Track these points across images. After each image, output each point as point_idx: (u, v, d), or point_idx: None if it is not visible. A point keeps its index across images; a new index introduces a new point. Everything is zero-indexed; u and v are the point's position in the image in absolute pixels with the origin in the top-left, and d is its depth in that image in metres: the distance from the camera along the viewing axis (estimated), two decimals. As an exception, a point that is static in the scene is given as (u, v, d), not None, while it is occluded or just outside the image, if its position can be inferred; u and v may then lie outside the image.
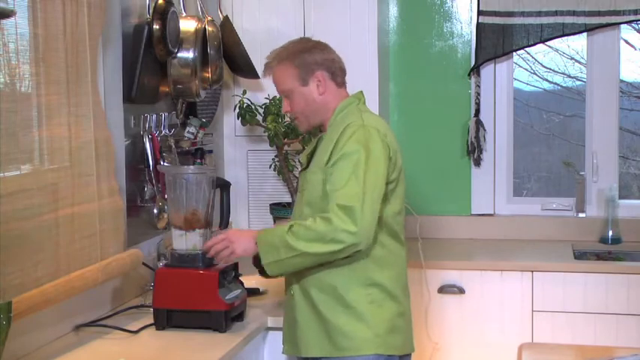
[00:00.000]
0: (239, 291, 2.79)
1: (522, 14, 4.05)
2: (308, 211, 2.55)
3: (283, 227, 2.47)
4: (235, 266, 2.83)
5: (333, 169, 2.46)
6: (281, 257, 2.45)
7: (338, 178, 2.43)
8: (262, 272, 2.54)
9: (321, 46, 2.65)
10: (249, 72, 3.77)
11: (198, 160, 3.55)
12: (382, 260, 2.55)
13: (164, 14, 3.16)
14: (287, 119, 3.74)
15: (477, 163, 4.22)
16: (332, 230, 2.37)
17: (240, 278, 2.87)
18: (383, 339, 2.51)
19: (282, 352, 2.71)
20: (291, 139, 3.71)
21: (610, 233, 4.04)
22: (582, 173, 4.19)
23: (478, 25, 4.11)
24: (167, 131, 3.28)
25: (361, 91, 2.71)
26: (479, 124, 4.18)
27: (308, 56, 2.59)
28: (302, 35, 3.84)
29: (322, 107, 2.61)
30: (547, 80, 4.55)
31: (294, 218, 2.62)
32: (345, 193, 2.40)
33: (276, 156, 3.83)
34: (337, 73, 2.64)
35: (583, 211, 4.14)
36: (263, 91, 3.85)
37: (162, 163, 3.16)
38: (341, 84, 2.66)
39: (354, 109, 2.60)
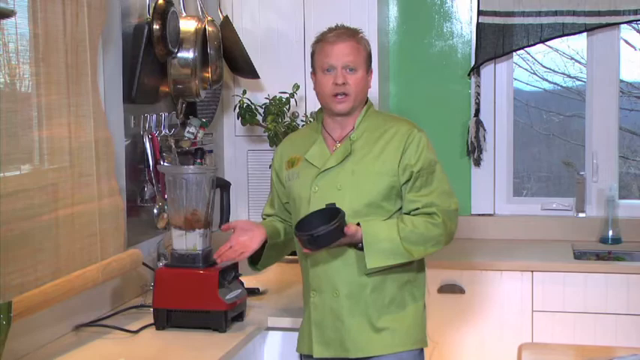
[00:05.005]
0: (239, 291, 2.78)
1: (522, 14, 4.05)
2: (366, 210, 2.52)
3: (392, 232, 2.48)
4: (235, 266, 2.83)
5: (426, 177, 2.54)
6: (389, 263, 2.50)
7: (438, 185, 2.56)
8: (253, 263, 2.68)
9: None
10: (249, 72, 3.77)
11: (198, 160, 3.54)
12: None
13: (164, 14, 3.16)
14: (287, 119, 3.74)
15: (477, 163, 4.22)
16: (444, 234, 2.53)
17: (240, 278, 2.87)
18: None
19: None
20: (291, 139, 3.71)
21: (610, 233, 4.04)
22: (582, 173, 4.19)
23: (478, 25, 4.11)
24: (167, 131, 3.28)
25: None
26: (479, 124, 4.18)
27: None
28: (302, 35, 3.84)
29: (364, 98, 2.65)
30: (547, 80, 4.54)
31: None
32: (451, 199, 2.57)
33: (276, 156, 3.83)
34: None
35: (583, 211, 4.14)
36: (263, 91, 3.85)
37: (162, 163, 3.16)
38: None
39: (376, 110, 2.70)
